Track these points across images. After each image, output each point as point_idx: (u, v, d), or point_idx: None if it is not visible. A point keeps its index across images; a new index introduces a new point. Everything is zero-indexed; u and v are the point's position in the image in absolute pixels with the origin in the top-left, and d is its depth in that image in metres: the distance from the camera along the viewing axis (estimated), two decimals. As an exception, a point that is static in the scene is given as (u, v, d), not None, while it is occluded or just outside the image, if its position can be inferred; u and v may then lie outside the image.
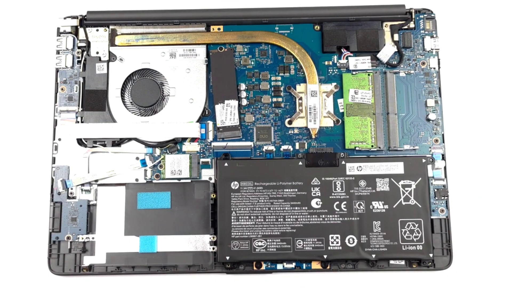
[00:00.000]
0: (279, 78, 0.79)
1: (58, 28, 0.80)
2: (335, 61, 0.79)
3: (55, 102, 0.78)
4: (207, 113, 0.78)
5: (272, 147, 0.77)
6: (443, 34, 0.81)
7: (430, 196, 0.75)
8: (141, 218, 0.74)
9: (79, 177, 0.76)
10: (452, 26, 0.82)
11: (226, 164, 0.75)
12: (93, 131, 0.76)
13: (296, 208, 0.74)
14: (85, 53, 0.79)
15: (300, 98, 0.78)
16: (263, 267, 0.74)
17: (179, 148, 0.77)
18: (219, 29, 0.80)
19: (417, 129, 0.77)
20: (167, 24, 0.79)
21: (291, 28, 0.80)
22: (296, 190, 0.74)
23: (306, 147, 0.77)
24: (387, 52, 0.78)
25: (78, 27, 0.80)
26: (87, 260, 0.74)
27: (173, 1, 0.83)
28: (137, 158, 0.77)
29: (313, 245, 0.73)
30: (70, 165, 0.76)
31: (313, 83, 0.78)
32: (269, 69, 0.79)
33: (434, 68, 0.79)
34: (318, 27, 0.80)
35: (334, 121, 0.78)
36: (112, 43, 0.79)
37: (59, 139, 0.77)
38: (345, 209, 0.74)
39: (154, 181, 0.76)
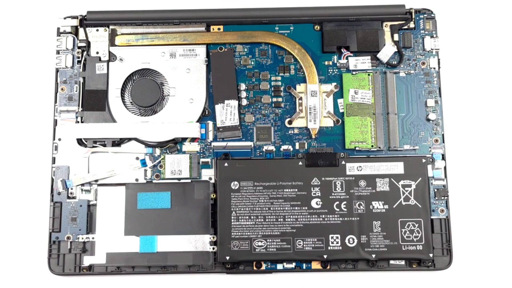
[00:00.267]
0: (279, 78, 0.79)
1: (58, 28, 0.80)
2: (335, 61, 0.79)
3: (55, 102, 0.78)
4: (207, 113, 0.78)
5: (272, 147, 0.77)
6: (443, 34, 0.81)
7: (430, 196, 0.75)
8: (141, 218, 0.74)
9: (79, 177, 0.76)
10: (452, 26, 0.82)
11: (226, 164, 0.75)
12: (93, 131, 0.76)
13: (296, 208, 0.74)
14: (85, 53, 0.79)
15: (300, 98, 0.78)
16: (263, 267, 0.74)
17: (179, 148, 0.77)
18: (219, 29, 0.80)
19: (417, 129, 0.77)
20: (167, 24, 0.79)
21: (291, 28, 0.80)
22: (296, 190, 0.74)
23: (306, 147, 0.77)
24: (387, 52, 0.78)
25: (78, 27, 0.80)
26: (87, 260, 0.74)
27: (173, 1, 0.83)
28: (137, 158, 0.77)
29: (313, 245, 0.73)
30: (70, 165, 0.76)
31: (313, 83, 0.78)
32: (269, 69, 0.79)
33: (434, 68, 0.79)
34: (318, 27, 0.80)
35: (334, 121, 0.78)
36: (112, 43, 0.79)
37: (59, 139, 0.77)
38: (345, 209, 0.74)
39: (154, 181, 0.76)
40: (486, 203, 0.77)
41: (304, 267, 0.74)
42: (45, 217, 0.75)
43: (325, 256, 0.73)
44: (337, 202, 0.74)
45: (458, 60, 0.81)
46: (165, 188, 0.75)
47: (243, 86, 0.79)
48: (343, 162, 0.75)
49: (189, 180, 0.76)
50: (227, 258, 0.73)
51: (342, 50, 0.79)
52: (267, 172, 0.75)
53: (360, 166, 0.75)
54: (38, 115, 0.79)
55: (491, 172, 0.78)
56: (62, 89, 0.78)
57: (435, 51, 0.79)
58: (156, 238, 0.74)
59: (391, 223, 0.73)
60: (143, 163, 0.76)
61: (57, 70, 0.79)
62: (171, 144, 0.77)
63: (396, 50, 0.79)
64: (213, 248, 0.74)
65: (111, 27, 0.79)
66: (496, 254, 0.76)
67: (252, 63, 0.79)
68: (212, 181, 0.76)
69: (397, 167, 0.75)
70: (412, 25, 0.80)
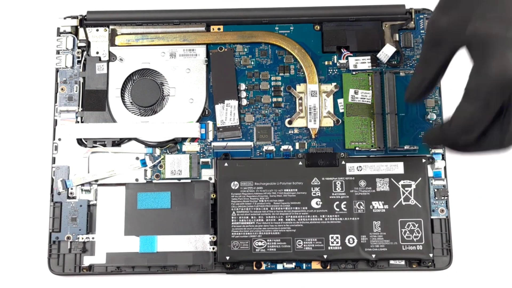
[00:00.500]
0: (279, 78, 0.79)
1: (58, 28, 0.80)
2: (335, 61, 0.79)
3: (55, 102, 0.78)
4: (207, 113, 0.78)
5: (272, 147, 0.77)
6: (443, 34, 0.80)
7: (430, 196, 0.75)
8: (141, 218, 0.74)
9: (79, 177, 0.76)
10: (452, 26, 0.82)
11: (226, 164, 0.75)
12: (93, 131, 0.76)
13: (296, 208, 0.74)
14: (85, 53, 0.79)
15: (300, 98, 0.78)
16: (263, 267, 0.74)
17: (179, 148, 0.77)
18: (219, 29, 0.80)
19: (417, 129, 0.77)
20: (167, 24, 0.79)
21: (291, 28, 0.80)
22: (296, 190, 0.74)
23: (306, 147, 0.77)
24: (387, 52, 0.78)
25: (78, 27, 0.80)
26: (87, 260, 0.74)
27: (173, 1, 0.83)
28: (137, 158, 0.77)
29: (313, 245, 0.73)
30: (70, 165, 0.76)
31: (313, 83, 0.78)
32: (269, 69, 0.79)
33: (434, 68, 0.79)
34: (318, 27, 0.80)
35: (334, 121, 0.78)
36: (112, 43, 0.79)
37: (59, 139, 0.77)
38: (345, 209, 0.74)
39: (154, 181, 0.76)
40: (486, 203, 0.77)
41: (304, 267, 0.74)
42: (45, 217, 0.75)
43: (325, 256, 0.73)
44: (337, 202, 0.74)
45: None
46: (165, 188, 0.75)
47: (243, 86, 0.79)
48: (343, 162, 0.75)
49: (189, 180, 0.76)
50: (227, 258, 0.73)
51: (342, 50, 0.79)
52: (267, 172, 0.75)
53: (360, 166, 0.75)
54: (38, 115, 0.79)
55: (491, 172, 0.78)
56: (62, 89, 0.78)
57: (435, 51, 0.79)
58: (156, 238, 0.74)
59: (391, 223, 0.73)
60: (143, 163, 0.76)
61: (57, 70, 0.79)
62: (171, 144, 0.77)
63: (396, 50, 0.79)
64: (213, 248, 0.74)
65: (111, 27, 0.79)
66: (496, 254, 0.76)
67: (252, 63, 0.79)
68: (212, 181, 0.76)
69: (397, 167, 0.75)
70: (412, 25, 0.80)
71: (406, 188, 0.74)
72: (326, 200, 0.74)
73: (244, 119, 0.78)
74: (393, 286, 0.75)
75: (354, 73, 0.78)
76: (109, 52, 0.79)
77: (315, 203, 0.74)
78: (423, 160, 0.75)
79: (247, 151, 0.77)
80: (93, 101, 0.78)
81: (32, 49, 0.82)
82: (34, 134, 0.79)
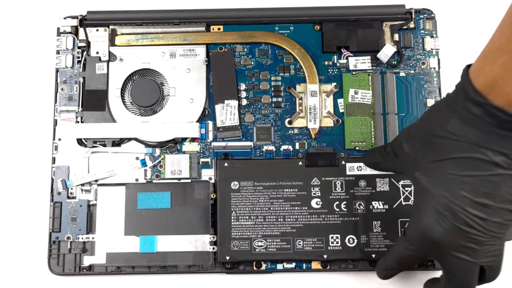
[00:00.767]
0: (279, 78, 0.79)
1: (58, 28, 0.80)
2: (335, 61, 0.79)
3: (55, 102, 0.78)
4: (207, 113, 0.78)
5: (272, 147, 0.77)
6: (443, 34, 0.81)
7: (430, 196, 0.75)
8: (141, 218, 0.74)
9: (79, 177, 0.76)
10: (452, 26, 0.82)
11: (226, 164, 0.75)
12: (93, 131, 0.76)
13: (296, 208, 0.74)
14: (85, 53, 0.79)
15: (300, 98, 0.78)
16: (263, 267, 0.74)
17: (179, 148, 0.77)
18: (219, 29, 0.80)
19: (417, 129, 0.77)
20: (167, 24, 0.79)
21: (291, 28, 0.80)
22: (296, 190, 0.74)
23: (306, 147, 0.77)
24: (387, 52, 0.78)
25: (78, 27, 0.80)
26: (87, 260, 0.74)
27: (173, 1, 0.83)
28: (137, 158, 0.77)
29: (313, 245, 0.73)
30: (70, 165, 0.76)
31: (313, 83, 0.78)
32: (269, 69, 0.79)
33: (434, 68, 0.79)
34: (318, 27, 0.80)
35: (334, 121, 0.78)
36: (112, 43, 0.79)
37: (59, 139, 0.77)
38: (345, 209, 0.74)
39: (154, 181, 0.76)
40: (486, 203, 0.77)
41: (304, 267, 0.74)
42: (45, 217, 0.75)
43: (325, 256, 0.73)
44: (337, 202, 0.74)
45: (458, 60, 0.81)
46: (165, 188, 0.75)
47: (243, 86, 0.79)
48: (343, 162, 0.75)
49: (189, 180, 0.76)
50: (227, 258, 0.73)
51: (342, 50, 0.79)
52: (267, 172, 0.75)
53: (360, 166, 0.75)
54: (38, 115, 0.79)
55: (491, 172, 0.78)
56: (62, 89, 0.78)
57: (435, 51, 0.79)
58: (156, 238, 0.74)
59: (391, 223, 0.73)
60: (143, 163, 0.76)
61: (57, 70, 0.79)
62: (171, 144, 0.77)
63: (396, 50, 0.79)
64: (213, 248, 0.74)
65: (111, 27, 0.79)
66: (496, 254, 0.76)
67: (252, 63, 0.79)
68: (212, 181, 0.76)
69: (397, 167, 0.75)
70: (412, 25, 0.80)
71: (406, 188, 0.74)
72: (326, 200, 0.74)
73: (244, 119, 0.78)
74: (393, 286, 0.74)
75: (354, 73, 0.78)
76: (109, 52, 0.79)
77: (315, 203, 0.74)
78: (423, 160, 0.75)
79: (247, 151, 0.77)
80: (93, 101, 0.78)
81: (32, 49, 0.82)
82: (34, 134, 0.79)
